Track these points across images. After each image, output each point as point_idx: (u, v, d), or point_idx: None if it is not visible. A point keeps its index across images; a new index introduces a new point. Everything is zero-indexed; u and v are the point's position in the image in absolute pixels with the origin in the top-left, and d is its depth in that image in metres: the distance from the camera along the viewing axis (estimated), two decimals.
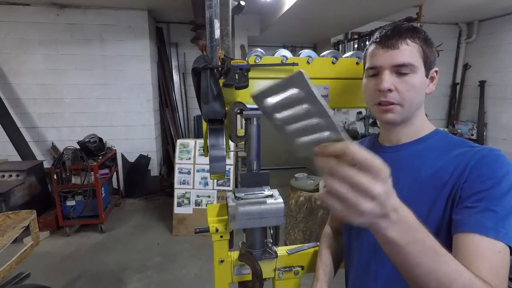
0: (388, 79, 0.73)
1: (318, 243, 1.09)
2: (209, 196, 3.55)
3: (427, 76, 0.76)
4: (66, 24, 4.15)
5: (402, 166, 0.78)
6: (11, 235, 1.67)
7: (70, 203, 3.45)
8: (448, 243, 0.65)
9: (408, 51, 0.72)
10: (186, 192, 3.55)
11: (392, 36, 0.73)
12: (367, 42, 4.17)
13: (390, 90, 0.73)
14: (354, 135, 4.64)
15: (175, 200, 3.53)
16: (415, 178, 0.75)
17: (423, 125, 0.81)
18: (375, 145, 0.89)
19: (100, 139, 3.86)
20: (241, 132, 0.97)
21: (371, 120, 4.63)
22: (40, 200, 3.64)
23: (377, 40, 0.76)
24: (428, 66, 0.75)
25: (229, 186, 3.57)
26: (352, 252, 0.90)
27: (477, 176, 0.66)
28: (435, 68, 0.78)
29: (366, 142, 0.95)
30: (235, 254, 1.04)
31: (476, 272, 0.54)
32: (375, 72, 0.76)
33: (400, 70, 0.73)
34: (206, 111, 0.84)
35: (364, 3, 3.01)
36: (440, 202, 0.70)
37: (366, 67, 0.80)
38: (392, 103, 0.74)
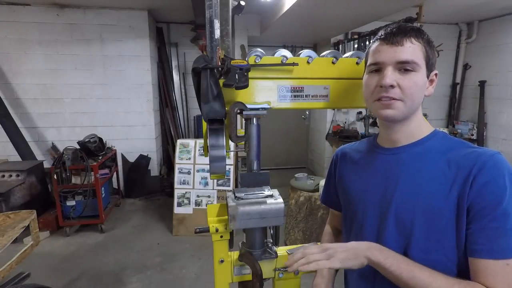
0: (391, 75, 0.73)
1: (318, 243, 1.09)
2: (209, 196, 3.55)
3: (427, 77, 0.77)
4: (66, 24, 4.15)
5: (403, 169, 0.79)
6: (11, 235, 1.67)
7: (70, 203, 3.45)
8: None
9: (412, 49, 0.73)
10: (186, 192, 3.55)
11: (397, 34, 0.73)
12: (367, 42, 4.17)
13: (392, 86, 0.73)
14: (354, 135, 4.64)
15: (175, 200, 3.53)
16: (417, 180, 0.76)
17: (421, 126, 0.81)
18: (374, 146, 0.89)
19: (100, 139, 3.86)
20: (241, 132, 0.96)
21: (371, 120, 4.63)
22: (40, 200, 3.64)
23: (382, 37, 0.76)
24: (429, 67, 0.76)
25: (229, 186, 3.57)
26: None
27: (481, 190, 0.68)
28: (435, 71, 0.78)
29: (365, 144, 0.95)
30: (235, 254, 1.04)
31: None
32: (378, 68, 0.76)
33: (403, 67, 0.73)
34: (206, 111, 0.84)
35: (364, 3, 3.00)
36: (450, 208, 0.70)
37: (368, 63, 0.79)
38: (393, 98, 0.74)
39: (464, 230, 0.70)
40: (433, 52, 0.76)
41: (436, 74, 0.79)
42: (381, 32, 0.77)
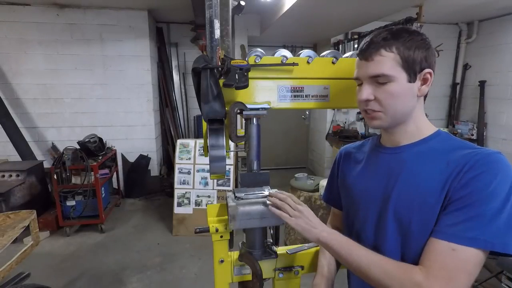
0: (366, 90, 0.77)
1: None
2: (209, 196, 3.55)
3: (412, 81, 0.75)
4: (66, 24, 4.15)
5: (403, 168, 0.79)
6: (11, 235, 1.67)
7: (70, 203, 3.45)
8: None
9: (381, 62, 0.74)
10: (186, 192, 3.55)
11: (367, 48, 0.76)
12: None
13: (368, 100, 0.77)
14: (354, 135, 4.64)
15: (175, 200, 3.53)
16: (415, 178, 0.76)
17: (422, 126, 0.81)
18: (377, 146, 0.90)
19: (100, 139, 3.86)
20: (241, 132, 0.97)
21: None
22: (40, 200, 3.64)
23: (358, 52, 0.80)
24: (412, 70, 0.74)
25: (229, 186, 3.57)
26: None
27: (465, 183, 0.68)
28: (427, 70, 0.76)
29: (368, 143, 0.95)
30: (235, 254, 1.04)
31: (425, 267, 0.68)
32: (359, 83, 0.80)
33: (376, 80, 0.76)
34: (206, 111, 0.84)
35: (364, 3, 3.00)
36: (439, 204, 0.71)
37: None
38: (374, 111, 0.78)
39: None
40: (421, 52, 0.74)
41: (429, 73, 0.76)
42: (360, 46, 0.80)
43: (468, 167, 0.68)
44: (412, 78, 0.75)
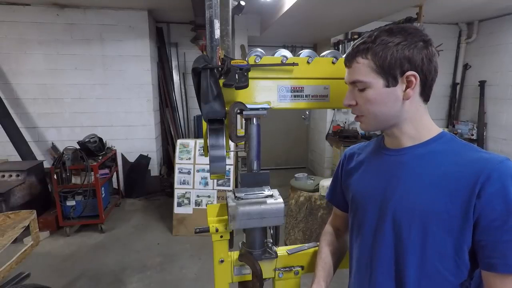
0: (348, 96, 0.82)
1: (318, 243, 1.09)
2: (209, 196, 3.55)
3: (391, 85, 0.73)
4: (66, 24, 4.15)
5: (404, 170, 0.79)
6: (11, 235, 1.67)
7: (70, 203, 3.45)
8: (473, 257, 0.72)
9: (357, 69, 0.76)
10: (186, 192, 3.55)
11: (347, 56, 0.79)
12: None
13: (350, 105, 0.81)
14: (354, 135, 4.64)
15: (175, 200, 3.53)
16: (417, 183, 0.75)
17: (422, 129, 0.79)
18: (380, 147, 0.89)
19: (100, 139, 3.86)
20: (241, 132, 0.96)
21: None
22: (40, 200, 3.64)
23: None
24: (390, 75, 0.73)
25: (229, 186, 3.57)
26: (354, 247, 0.92)
27: (489, 200, 0.66)
28: (410, 73, 0.72)
29: (372, 144, 0.95)
30: (235, 254, 1.04)
31: None
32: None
33: (356, 86, 0.78)
34: (206, 111, 0.84)
35: (364, 3, 3.01)
36: (450, 215, 0.69)
37: None
38: (358, 115, 0.82)
39: (469, 242, 0.69)
40: (400, 54, 0.71)
41: (413, 75, 0.72)
42: None
43: (484, 179, 0.66)
44: (391, 82, 0.73)
